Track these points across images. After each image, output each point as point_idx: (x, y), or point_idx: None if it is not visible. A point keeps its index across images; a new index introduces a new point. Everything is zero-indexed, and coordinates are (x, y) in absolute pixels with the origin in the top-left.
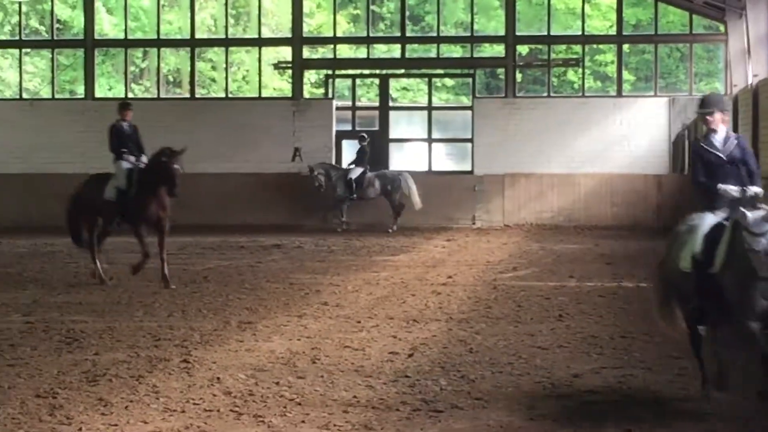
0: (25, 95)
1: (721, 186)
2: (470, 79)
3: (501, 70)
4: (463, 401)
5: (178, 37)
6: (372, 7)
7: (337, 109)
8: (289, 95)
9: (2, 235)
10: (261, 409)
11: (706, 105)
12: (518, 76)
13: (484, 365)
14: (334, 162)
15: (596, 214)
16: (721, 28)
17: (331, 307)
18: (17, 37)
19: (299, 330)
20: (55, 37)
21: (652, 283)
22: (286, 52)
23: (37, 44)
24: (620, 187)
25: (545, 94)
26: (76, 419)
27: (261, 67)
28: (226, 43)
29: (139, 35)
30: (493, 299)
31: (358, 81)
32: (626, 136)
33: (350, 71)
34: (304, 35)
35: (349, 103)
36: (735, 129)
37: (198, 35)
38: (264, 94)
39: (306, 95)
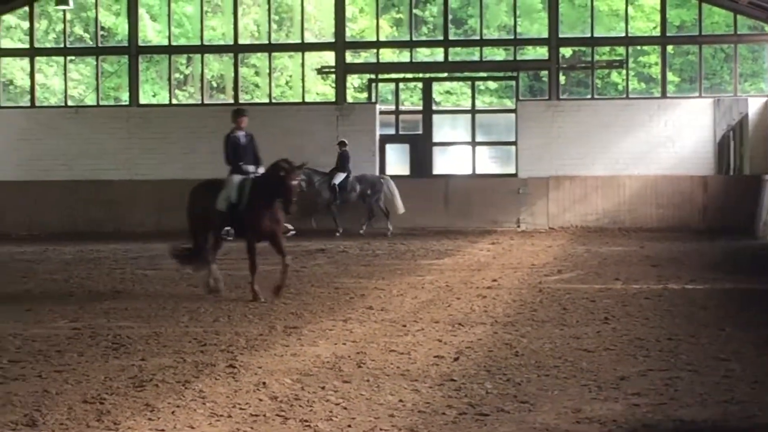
0: (70, 102)
1: None
2: (513, 82)
3: (544, 73)
4: (509, 404)
5: (222, 42)
6: (415, 11)
7: (381, 113)
8: (333, 100)
9: (48, 241)
10: (307, 414)
11: None
12: (562, 79)
13: (529, 368)
14: (378, 167)
15: (641, 216)
16: (766, 28)
17: (376, 311)
18: (62, 45)
19: (345, 334)
20: (100, 45)
21: None
22: (329, 57)
23: (82, 51)
24: (665, 189)
25: (589, 96)
26: (123, 424)
27: (304, 72)
28: (270, 48)
29: (182, 41)
30: (539, 302)
31: (401, 85)
32: (671, 138)
33: (393, 75)
34: (347, 40)
35: (393, 107)
36: None
37: (241, 41)
38: (307, 99)
39: (349, 100)
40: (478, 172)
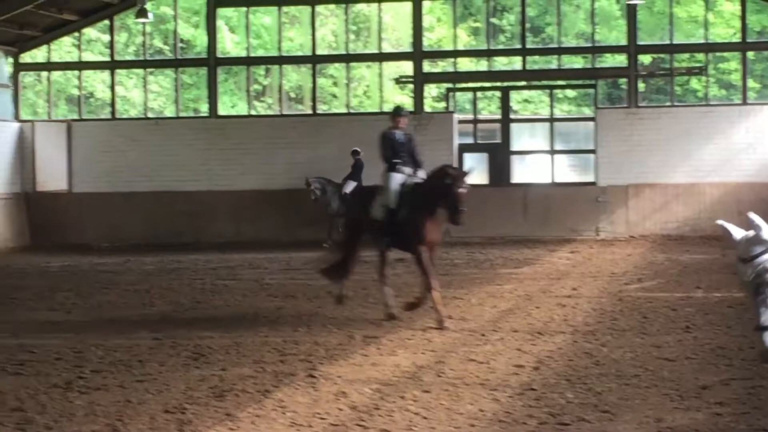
0: (150, 114)
1: None
2: (592, 90)
3: (623, 80)
4: (590, 414)
5: (300, 53)
6: (492, 20)
7: (459, 122)
8: (411, 109)
9: (130, 252)
10: (387, 424)
11: None
12: (641, 86)
13: (610, 377)
14: None
15: None
16: None
17: (455, 321)
18: (142, 57)
19: (423, 344)
20: (179, 57)
21: None
22: (406, 67)
23: (161, 64)
24: (747, 196)
25: (668, 104)
26: None
27: (382, 82)
28: (347, 58)
29: (261, 53)
30: (619, 311)
31: (479, 94)
32: (752, 144)
33: (471, 84)
34: (425, 49)
35: (471, 116)
36: None
37: (319, 51)
38: (385, 109)
39: (427, 109)
40: (556, 180)
